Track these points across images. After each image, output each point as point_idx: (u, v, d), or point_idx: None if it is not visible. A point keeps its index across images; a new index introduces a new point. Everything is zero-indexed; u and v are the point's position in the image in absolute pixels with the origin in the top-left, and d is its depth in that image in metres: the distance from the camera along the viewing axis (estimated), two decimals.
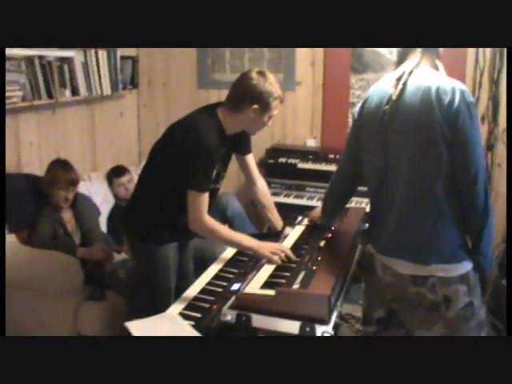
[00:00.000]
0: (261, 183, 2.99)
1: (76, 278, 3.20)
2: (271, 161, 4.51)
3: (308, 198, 4.34)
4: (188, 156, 2.47)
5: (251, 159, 2.93)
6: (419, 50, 2.22)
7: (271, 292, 2.10)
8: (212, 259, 2.89)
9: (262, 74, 2.59)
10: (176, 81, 5.02)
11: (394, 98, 2.14)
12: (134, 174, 4.46)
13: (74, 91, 4.06)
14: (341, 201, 2.60)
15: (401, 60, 2.27)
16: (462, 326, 2.20)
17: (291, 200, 4.35)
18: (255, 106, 2.56)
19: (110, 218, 4.17)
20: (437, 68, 2.23)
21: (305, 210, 3.29)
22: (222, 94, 4.67)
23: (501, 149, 4.38)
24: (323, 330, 1.96)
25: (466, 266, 2.17)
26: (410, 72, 2.16)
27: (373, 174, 2.30)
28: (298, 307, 2.02)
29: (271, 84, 2.57)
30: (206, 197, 2.52)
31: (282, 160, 4.48)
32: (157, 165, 2.67)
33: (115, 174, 4.39)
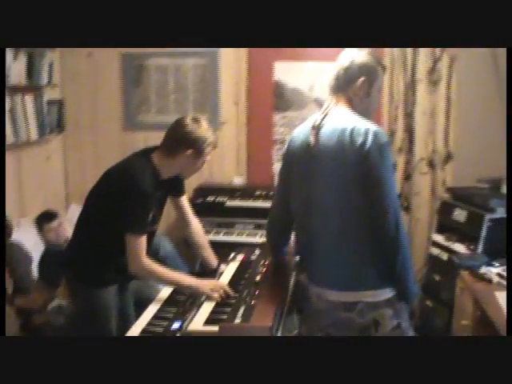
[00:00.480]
0: (195, 223, 3.07)
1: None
2: (200, 200, 4.56)
3: (237, 235, 4.43)
4: (125, 200, 2.52)
5: (185, 200, 3.01)
6: (336, 92, 2.40)
7: (215, 328, 2.18)
8: (151, 299, 2.93)
9: (196, 120, 2.69)
10: (102, 123, 5.02)
11: (312, 139, 2.31)
12: (63, 218, 4.45)
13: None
14: (282, 235, 2.71)
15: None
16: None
17: (221, 237, 4.42)
18: (190, 152, 2.65)
19: (42, 264, 4.12)
20: (354, 106, 2.40)
21: (235, 246, 3.40)
22: (148, 135, 4.77)
23: (417, 178, 4.64)
24: None
25: (391, 292, 2.31)
26: (326, 115, 2.33)
27: (298, 209, 2.44)
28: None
29: (205, 130, 2.68)
30: (143, 239, 2.57)
31: (210, 199, 4.55)
32: (95, 209, 2.71)
33: (45, 219, 4.34)
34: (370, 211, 2.20)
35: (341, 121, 2.27)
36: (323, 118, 2.32)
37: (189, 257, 4.07)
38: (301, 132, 2.41)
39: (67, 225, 4.43)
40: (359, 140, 2.18)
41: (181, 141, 2.66)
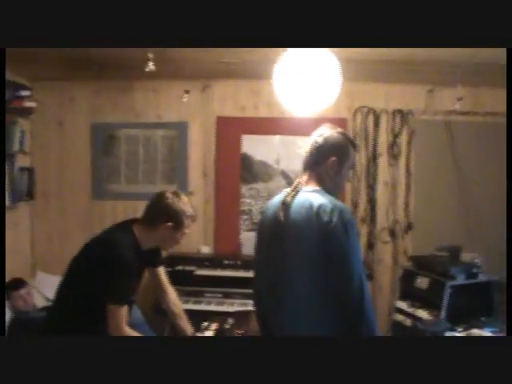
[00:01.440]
0: (170, 291, 3.12)
1: None
2: (169, 269, 4.61)
3: (206, 303, 4.47)
4: (106, 271, 2.57)
5: (162, 270, 3.08)
6: (308, 168, 2.54)
7: None
8: None
9: (176, 194, 2.79)
10: (71, 192, 5.06)
11: (281, 214, 2.44)
12: (31, 286, 4.44)
13: None
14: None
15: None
16: None
17: (190, 306, 4.45)
18: (170, 224, 2.73)
19: (11, 331, 4.09)
20: (323, 183, 2.54)
21: (204, 315, 3.46)
22: (116, 205, 4.84)
23: (379, 246, 4.80)
24: None
25: None
26: (297, 191, 2.47)
27: (268, 274, 2.53)
28: None
29: (184, 204, 2.77)
30: (125, 309, 2.62)
31: (179, 268, 4.61)
32: (75, 279, 2.73)
33: (13, 286, 4.32)
34: (336, 281, 2.29)
35: (309, 197, 2.40)
36: (293, 194, 2.46)
37: (156, 325, 4.09)
38: (272, 205, 2.55)
39: (34, 292, 4.44)
40: (325, 217, 2.30)
41: (161, 213, 2.75)
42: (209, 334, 3.13)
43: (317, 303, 2.38)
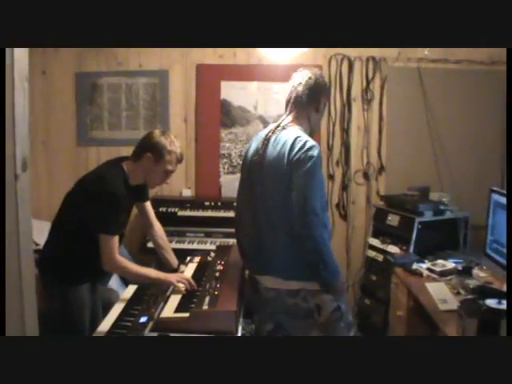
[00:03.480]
0: (157, 226, 3.33)
1: None
2: (153, 210, 4.78)
3: (188, 242, 4.67)
4: (98, 204, 2.74)
5: (149, 205, 3.28)
6: (289, 108, 2.72)
7: (185, 314, 2.45)
8: (111, 303, 3.13)
9: (163, 132, 2.97)
10: (56, 139, 5.15)
11: (261, 148, 2.63)
12: None
13: None
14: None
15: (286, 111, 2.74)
16: (334, 326, 2.67)
17: (174, 245, 4.58)
18: (149, 155, 2.90)
19: None
20: (302, 122, 2.72)
21: (186, 252, 3.70)
22: (100, 151, 4.97)
23: (353, 188, 5.01)
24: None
25: None
26: (277, 128, 2.65)
27: (240, 207, 2.80)
28: (210, 324, 2.37)
29: (168, 141, 2.93)
30: (116, 239, 2.80)
31: (163, 209, 4.77)
32: (69, 214, 2.90)
33: None
34: (293, 214, 2.47)
35: (287, 133, 2.59)
36: (274, 130, 2.65)
37: (142, 263, 4.28)
38: (255, 140, 2.74)
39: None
40: (295, 150, 2.49)
41: (144, 146, 2.93)
42: (193, 265, 3.34)
43: (286, 233, 2.58)
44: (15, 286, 1.59)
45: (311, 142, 2.53)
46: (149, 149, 2.90)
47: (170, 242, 4.65)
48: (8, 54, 1.57)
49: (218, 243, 4.42)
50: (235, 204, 2.94)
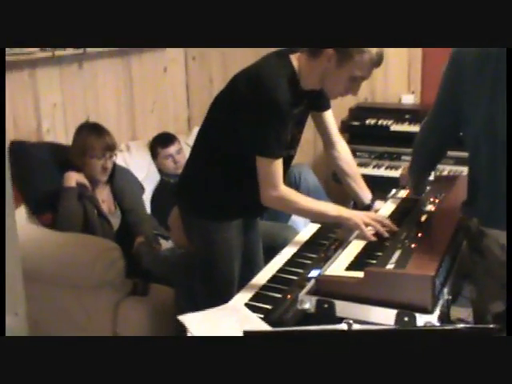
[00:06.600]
0: (342, 146, 3.07)
1: (116, 267, 3.32)
2: (356, 123, 4.60)
3: (403, 169, 4.40)
4: (256, 114, 2.58)
5: (330, 117, 3.01)
6: None
7: (359, 274, 2.21)
8: (284, 246, 3.01)
9: None
10: None
11: None
12: (184, 144, 4.59)
13: None
14: (430, 162, 2.83)
15: None
16: None
17: (382, 172, 4.44)
18: (331, 52, 2.57)
19: (155, 198, 4.26)
20: None
21: (397, 183, 3.38)
22: None
23: None
24: (426, 321, 2.04)
25: None
26: None
27: (473, 130, 2.49)
28: (392, 292, 2.12)
29: None
30: (279, 163, 2.63)
31: (371, 122, 4.59)
32: (217, 125, 2.80)
33: (161, 143, 4.47)
34: None
35: None
36: None
37: (339, 196, 4.11)
38: None
39: (188, 152, 4.62)
40: None
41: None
42: (394, 202, 3.08)
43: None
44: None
45: None
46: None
47: (378, 167, 4.47)
48: None
49: (444, 172, 4.12)
50: (431, 113, 2.74)
